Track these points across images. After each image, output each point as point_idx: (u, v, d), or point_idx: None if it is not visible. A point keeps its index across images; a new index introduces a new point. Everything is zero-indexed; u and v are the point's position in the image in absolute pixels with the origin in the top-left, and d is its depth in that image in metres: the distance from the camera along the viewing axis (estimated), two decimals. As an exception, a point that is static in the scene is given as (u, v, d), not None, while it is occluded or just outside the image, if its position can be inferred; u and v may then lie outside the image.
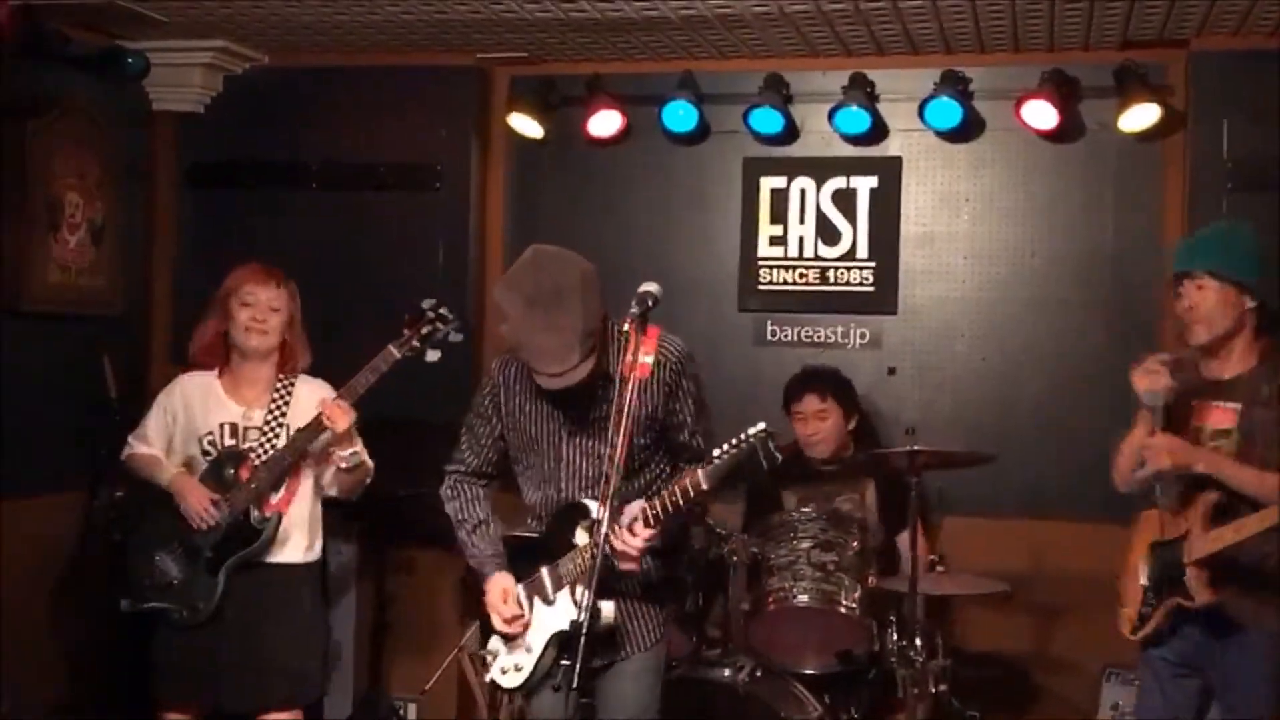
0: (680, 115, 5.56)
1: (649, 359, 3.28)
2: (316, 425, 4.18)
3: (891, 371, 5.51)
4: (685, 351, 3.53)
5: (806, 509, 4.82)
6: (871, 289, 5.59)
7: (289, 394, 4.29)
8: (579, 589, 3.34)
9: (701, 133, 5.66)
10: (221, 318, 4.29)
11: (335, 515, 5.32)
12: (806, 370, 5.23)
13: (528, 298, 3.29)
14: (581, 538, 3.45)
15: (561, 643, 3.46)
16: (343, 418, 4.15)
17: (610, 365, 3.41)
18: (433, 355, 4.24)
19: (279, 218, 5.88)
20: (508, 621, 3.52)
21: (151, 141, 5.96)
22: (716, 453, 3.24)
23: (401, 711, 5.62)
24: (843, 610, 4.51)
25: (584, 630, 3.12)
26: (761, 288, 5.70)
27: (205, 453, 4.27)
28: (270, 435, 4.24)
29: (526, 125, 5.72)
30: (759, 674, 4.57)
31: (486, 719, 5.04)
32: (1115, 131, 5.26)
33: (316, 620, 4.48)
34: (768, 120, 5.51)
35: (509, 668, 3.58)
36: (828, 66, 5.55)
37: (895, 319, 5.57)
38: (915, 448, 4.44)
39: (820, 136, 5.62)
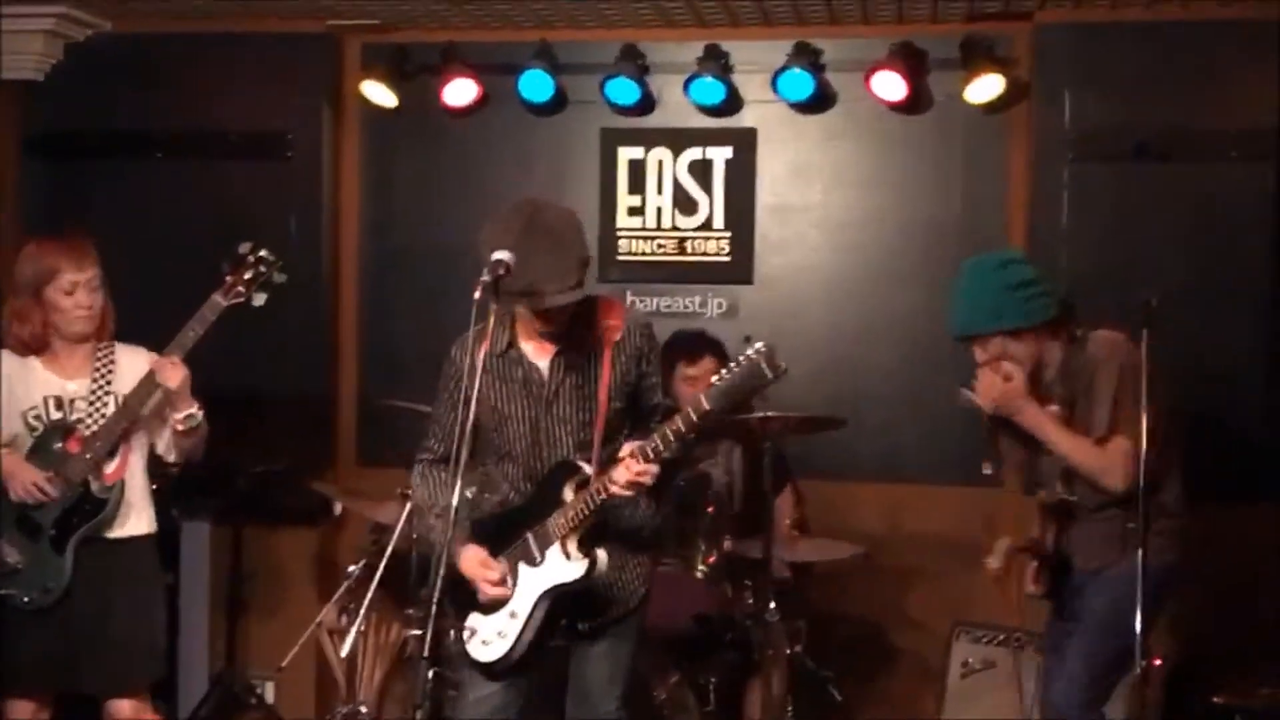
0: (537, 85, 5.54)
1: (620, 325, 3.46)
2: (149, 384, 4.06)
3: (748, 340, 5.49)
4: (648, 321, 3.64)
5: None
6: (728, 259, 5.65)
7: (111, 361, 4.16)
8: (569, 543, 3.40)
9: (558, 103, 5.65)
10: (37, 305, 4.07)
11: (189, 492, 5.28)
12: (697, 333, 5.21)
13: (527, 224, 3.34)
14: (569, 494, 3.44)
15: (555, 599, 3.44)
16: (175, 374, 4.04)
17: (579, 333, 3.47)
18: (259, 299, 4.15)
19: (125, 188, 5.72)
20: (495, 584, 3.48)
21: (-10, 111, 5.77)
22: (716, 378, 3.24)
23: (258, 690, 5.54)
24: (698, 574, 4.55)
25: (435, 598, 3.13)
26: (620, 258, 5.72)
27: (31, 428, 4.12)
28: (98, 405, 4.11)
29: (380, 94, 5.64)
30: (617, 640, 4.60)
31: (345, 695, 5.01)
32: (962, 102, 5.37)
33: (159, 595, 4.38)
34: (624, 91, 5.52)
35: (490, 638, 3.52)
36: (682, 37, 5.57)
37: (751, 288, 5.64)
38: (768, 413, 4.50)
39: (676, 107, 5.64)
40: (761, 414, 4.51)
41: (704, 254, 5.66)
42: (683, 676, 4.60)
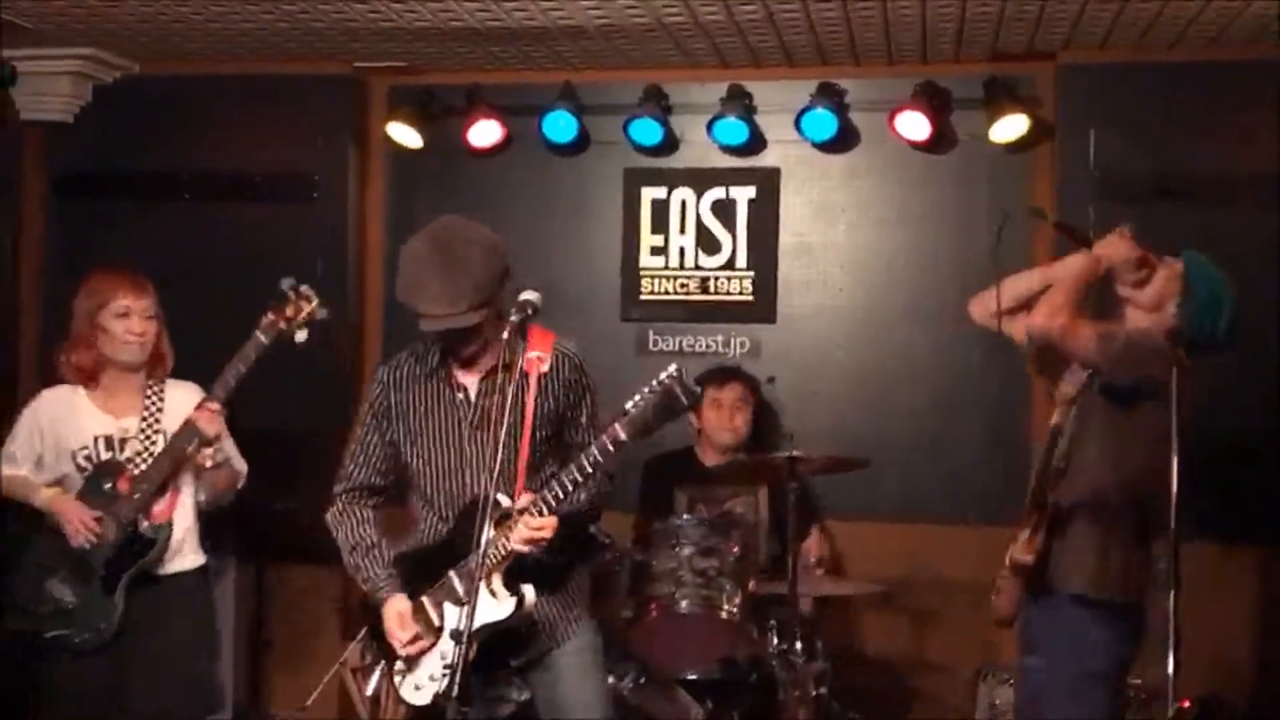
0: (560, 125, 5.58)
1: (547, 354, 3.40)
2: (190, 428, 4.08)
3: (771, 380, 5.56)
4: (581, 355, 3.58)
5: (691, 515, 4.85)
6: (751, 298, 5.66)
7: (161, 400, 4.19)
8: (493, 580, 3.31)
9: (582, 143, 5.69)
10: (91, 332, 4.13)
11: (213, 530, 5.27)
12: (725, 365, 5.32)
13: (431, 243, 3.31)
14: (491, 530, 3.33)
15: (487, 635, 3.33)
16: (212, 423, 4.06)
17: (511, 358, 3.40)
18: (301, 335, 4.16)
19: (150, 229, 5.76)
20: (405, 645, 3.45)
21: (18, 151, 5.82)
22: (630, 404, 3.15)
23: (282, 729, 5.53)
24: (723, 615, 4.54)
25: (467, 636, 3.09)
26: (643, 298, 5.74)
27: (80, 468, 4.13)
28: (148, 444, 4.12)
29: (405, 135, 5.69)
30: (642, 681, 4.57)
31: (369, 734, 4.98)
32: (986, 142, 5.39)
33: (211, 627, 4.39)
34: (647, 131, 5.55)
35: (421, 683, 3.47)
36: (706, 78, 5.61)
37: (774, 328, 5.65)
38: (794, 453, 4.50)
39: (699, 147, 5.67)
40: (787, 454, 4.50)
41: (727, 293, 5.68)
42: (707, 717, 4.56)
